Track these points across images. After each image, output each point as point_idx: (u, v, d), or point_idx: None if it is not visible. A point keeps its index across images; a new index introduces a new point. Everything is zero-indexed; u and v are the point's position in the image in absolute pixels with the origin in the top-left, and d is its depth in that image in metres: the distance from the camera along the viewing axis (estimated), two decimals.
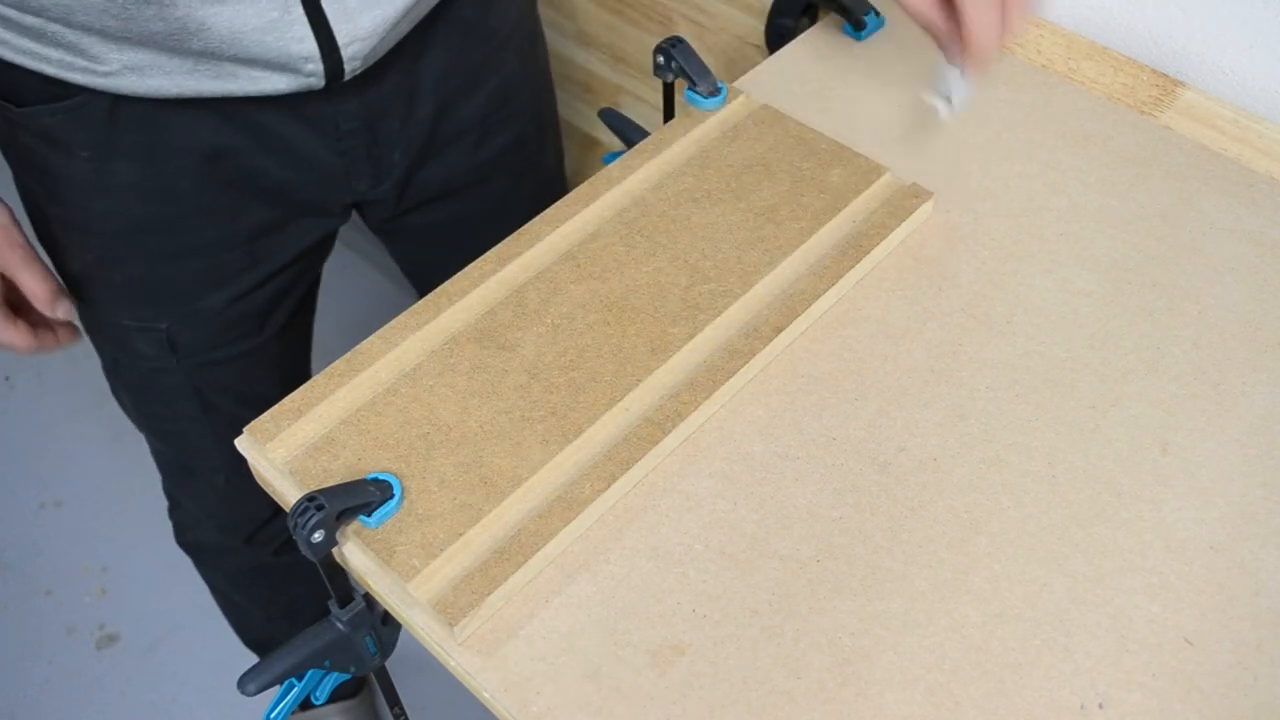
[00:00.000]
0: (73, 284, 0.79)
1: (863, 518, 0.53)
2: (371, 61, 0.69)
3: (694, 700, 0.48)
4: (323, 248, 0.86)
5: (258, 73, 0.65)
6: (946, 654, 0.49)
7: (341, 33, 0.65)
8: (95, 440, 1.60)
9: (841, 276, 0.61)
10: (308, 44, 0.64)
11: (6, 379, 1.69)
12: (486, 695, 0.48)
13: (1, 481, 1.57)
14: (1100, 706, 0.47)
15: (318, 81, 0.66)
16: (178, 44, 0.62)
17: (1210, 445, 0.56)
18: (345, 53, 0.66)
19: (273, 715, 0.61)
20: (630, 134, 0.74)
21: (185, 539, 1.08)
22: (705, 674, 0.48)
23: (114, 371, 0.88)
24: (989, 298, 0.63)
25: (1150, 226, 0.66)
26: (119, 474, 1.56)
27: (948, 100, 0.63)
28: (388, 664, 0.63)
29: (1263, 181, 0.68)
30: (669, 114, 0.76)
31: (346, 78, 0.68)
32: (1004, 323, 0.61)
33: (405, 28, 0.70)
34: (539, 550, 0.51)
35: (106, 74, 0.63)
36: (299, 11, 0.62)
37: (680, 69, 0.70)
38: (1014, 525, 0.53)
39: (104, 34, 0.61)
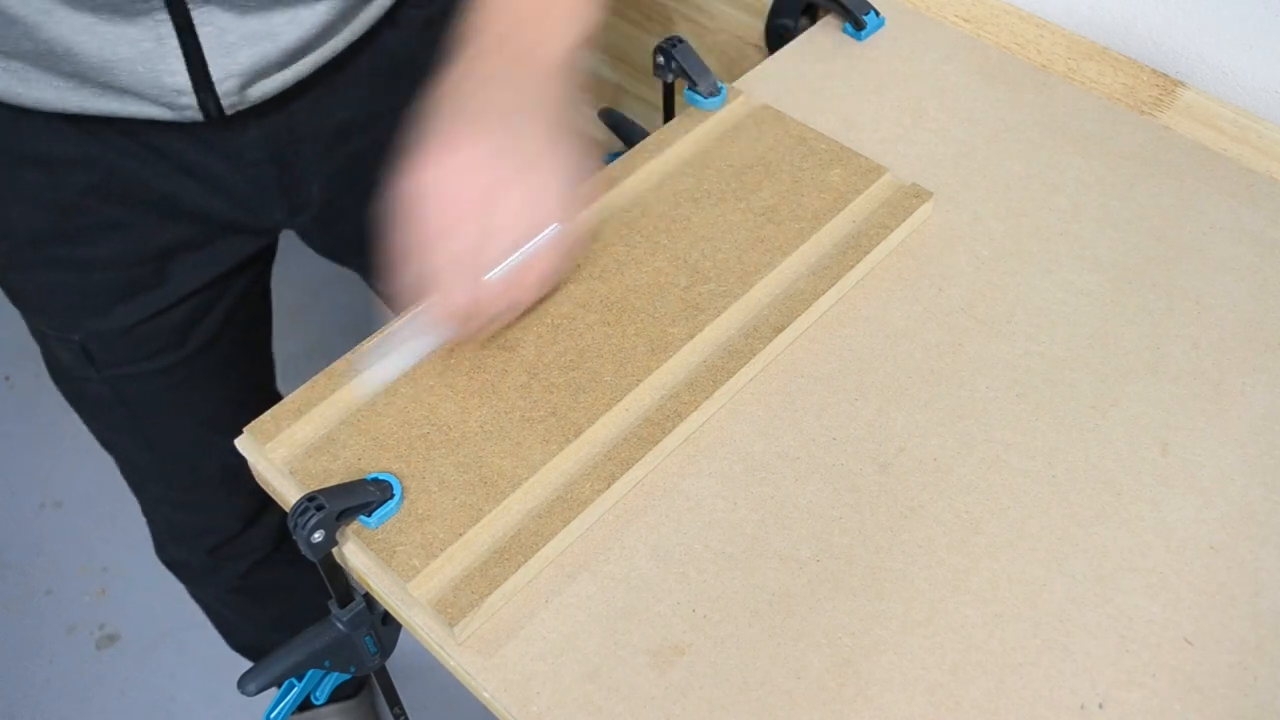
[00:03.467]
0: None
1: (863, 518, 0.53)
2: (259, 98, 0.65)
3: (694, 700, 0.48)
4: (253, 264, 0.82)
5: (136, 99, 0.63)
6: (946, 654, 0.49)
7: (217, 68, 0.62)
8: (95, 440, 1.60)
9: (841, 276, 0.61)
10: (180, 78, 0.61)
11: (6, 379, 1.69)
12: (486, 695, 0.48)
13: (1, 481, 1.57)
14: (1100, 706, 0.47)
15: (195, 114, 0.64)
16: (49, 65, 0.60)
17: (1210, 445, 0.56)
18: (220, 88, 0.63)
19: (273, 715, 0.61)
20: (630, 134, 0.74)
21: (163, 556, 1.05)
22: (705, 674, 0.48)
23: (53, 378, 0.86)
24: (989, 298, 0.63)
25: (1150, 226, 0.66)
26: (119, 474, 1.56)
27: (379, 364, 0.57)
28: (388, 664, 0.63)
29: (1263, 181, 0.68)
30: (669, 114, 0.76)
31: (228, 113, 0.65)
32: (1004, 323, 0.61)
33: (305, 67, 0.66)
34: (539, 550, 0.51)
35: None
36: (173, 43, 0.60)
37: (680, 69, 0.70)
38: (1014, 525, 0.53)
39: None
